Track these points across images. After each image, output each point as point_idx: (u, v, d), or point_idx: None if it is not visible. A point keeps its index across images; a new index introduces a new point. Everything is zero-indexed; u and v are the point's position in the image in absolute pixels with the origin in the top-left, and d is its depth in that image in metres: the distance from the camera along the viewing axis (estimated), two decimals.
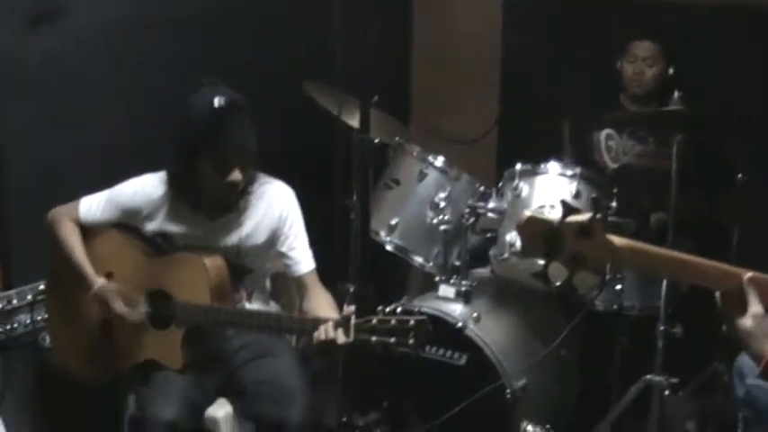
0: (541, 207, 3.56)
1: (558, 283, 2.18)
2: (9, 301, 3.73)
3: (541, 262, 2.21)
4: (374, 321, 2.92)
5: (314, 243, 3.46)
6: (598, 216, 2.18)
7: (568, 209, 2.17)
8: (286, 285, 3.66)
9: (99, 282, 3.34)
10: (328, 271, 3.53)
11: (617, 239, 2.22)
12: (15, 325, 3.72)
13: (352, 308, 3.02)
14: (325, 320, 3.03)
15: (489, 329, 3.64)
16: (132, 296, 3.34)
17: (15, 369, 3.71)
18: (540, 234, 2.16)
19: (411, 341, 2.86)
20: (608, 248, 2.20)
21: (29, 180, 3.89)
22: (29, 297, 3.76)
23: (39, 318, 3.72)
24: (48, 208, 3.47)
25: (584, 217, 2.17)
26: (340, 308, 3.21)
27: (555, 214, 2.17)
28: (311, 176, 3.75)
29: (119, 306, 3.32)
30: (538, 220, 2.19)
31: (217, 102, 3.15)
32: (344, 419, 3.52)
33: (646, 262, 2.29)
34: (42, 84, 3.91)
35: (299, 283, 3.43)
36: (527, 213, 2.18)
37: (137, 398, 3.33)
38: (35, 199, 3.73)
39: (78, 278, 3.37)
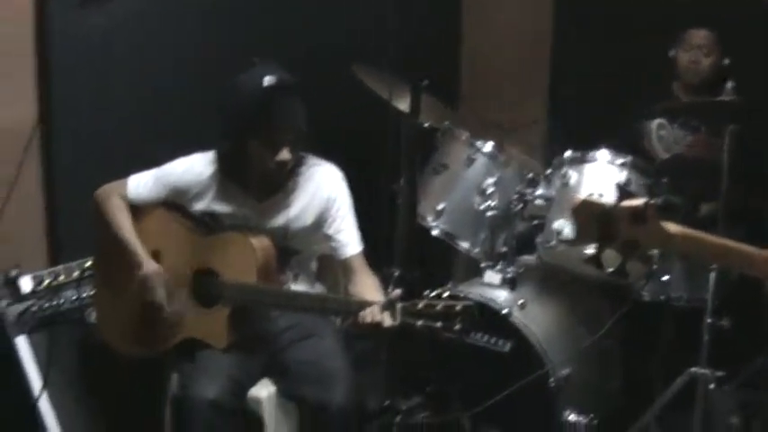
0: (590, 195, 3.53)
1: (610, 269, 2.18)
2: (56, 277, 3.76)
3: (590, 250, 2.19)
4: (420, 305, 2.92)
5: (361, 227, 3.45)
6: (653, 201, 2.17)
7: (623, 193, 2.17)
8: (332, 267, 3.66)
9: (150, 266, 3.36)
10: (374, 255, 3.52)
11: (671, 226, 2.21)
12: (62, 300, 3.74)
13: (399, 291, 3.01)
14: (371, 303, 3.03)
15: (534, 317, 3.64)
16: (179, 280, 3.35)
17: (61, 344, 3.70)
18: (594, 218, 2.15)
19: (457, 326, 2.87)
20: (661, 235, 2.20)
21: (77, 156, 3.97)
22: (76, 273, 3.79)
23: (85, 294, 3.75)
24: (96, 185, 3.50)
25: (639, 202, 2.16)
26: (385, 292, 3.21)
27: (609, 199, 2.17)
28: (360, 160, 3.73)
29: (160, 296, 3.34)
30: (592, 204, 2.19)
31: (267, 80, 3.16)
32: (387, 403, 3.51)
33: (698, 249, 2.28)
34: (93, 61, 3.97)
35: (345, 266, 3.43)
36: (581, 197, 2.17)
37: (180, 376, 3.35)
38: (83, 176, 3.79)
39: (126, 256, 3.39)
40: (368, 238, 3.48)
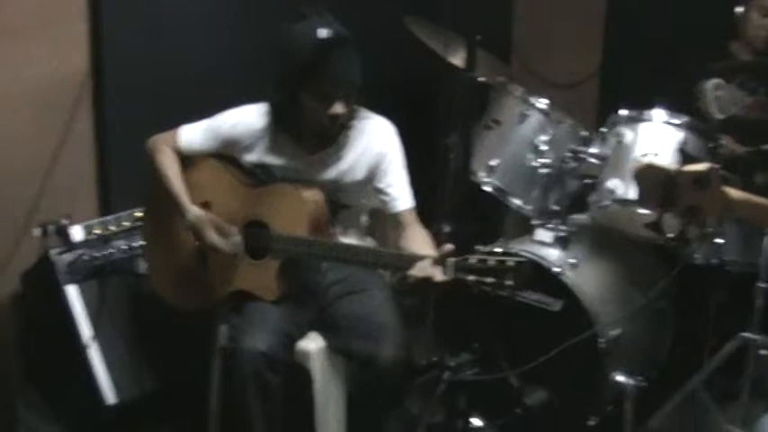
0: (644, 155, 3.50)
1: (671, 235, 2.15)
2: (107, 227, 3.82)
3: (646, 211, 2.16)
4: (472, 261, 2.89)
5: (412, 182, 3.44)
6: (716, 166, 2.15)
7: (686, 157, 2.15)
8: (382, 222, 3.68)
9: (193, 211, 3.38)
10: (426, 211, 3.51)
11: (732, 191, 2.19)
12: (112, 250, 3.80)
13: (451, 246, 2.98)
14: (423, 257, 3.01)
15: (585, 277, 3.62)
16: (227, 226, 3.37)
17: (112, 294, 3.78)
18: (657, 182, 2.13)
19: (509, 283, 2.83)
20: (724, 200, 2.17)
21: (129, 107, 4.00)
22: (126, 223, 3.86)
23: (135, 244, 3.80)
24: (146, 135, 3.52)
25: (703, 167, 2.14)
26: (436, 247, 3.17)
27: (670, 161, 2.14)
28: (412, 114, 3.72)
29: (211, 236, 3.35)
30: (656, 168, 2.17)
31: (322, 32, 3.15)
32: (435, 359, 3.52)
33: (758, 215, 2.26)
34: (144, 10, 3.99)
35: (396, 221, 3.42)
36: (645, 160, 2.15)
37: (229, 328, 3.37)
38: (134, 126, 3.80)
39: (175, 207, 3.41)
40: (419, 194, 3.47)
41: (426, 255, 3.03)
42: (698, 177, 2.14)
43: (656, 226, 2.19)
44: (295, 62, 3.21)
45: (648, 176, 2.15)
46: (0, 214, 3.78)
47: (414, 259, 3.04)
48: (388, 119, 3.46)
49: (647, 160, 2.10)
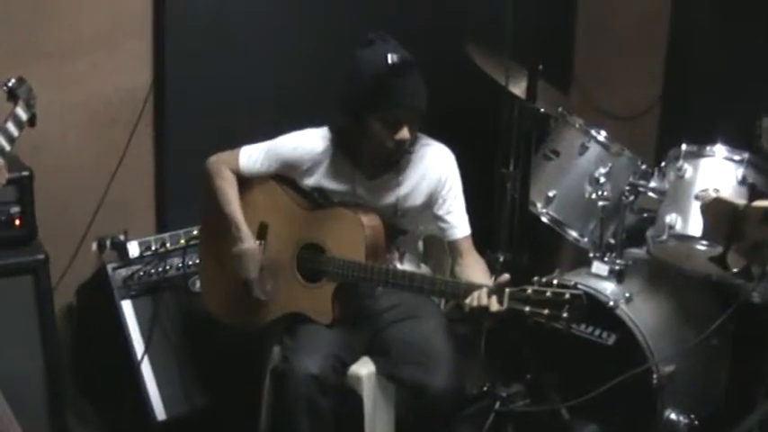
0: (704, 190, 3.49)
1: (735, 270, 2.15)
2: (163, 244, 3.89)
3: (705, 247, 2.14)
4: (529, 291, 2.90)
5: (469, 210, 3.45)
6: None
7: (755, 193, 2.15)
8: (438, 249, 3.70)
9: (250, 243, 3.42)
10: (482, 240, 3.54)
11: None
12: (167, 267, 3.86)
13: (507, 276, 2.99)
14: (479, 286, 3.02)
15: (640, 311, 3.60)
16: (286, 253, 3.41)
17: (165, 311, 3.84)
18: (724, 216, 2.13)
19: (565, 315, 2.84)
20: None
21: (188, 124, 4.07)
22: (182, 241, 3.90)
23: (191, 262, 3.85)
24: (205, 154, 3.55)
25: None
26: (492, 277, 3.21)
27: (738, 197, 2.13)
28: (471, 143, 3.72)
29: (251, 273, 3.41)
30: (725, 202, 2.17)
31: (391, 58, 3.17)
32: (486, 388, 3.53)
33: None
34: (208, 28, 4.05)
35: (453, 248, 3.44)
36: (714, 194, 2.16)
37: (282, 349, 3.40)
38: (193, 143, 3.88)
39: (231, 229, 3.44)
40: (477, 222, 3.48)
41: (483, 284, 3.05)
42: (767, 214, 2.14)
43: (721, 260, 2.18)
44: (364, 86, 3.23)
45: (716, 210, 2.16)
46: (59, 227, 3.83)
47: (470, 288, 3.05)
48: (447, 146, 3.47)
49: (715, 194, 2.09)
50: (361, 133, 3.30)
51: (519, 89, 3.78)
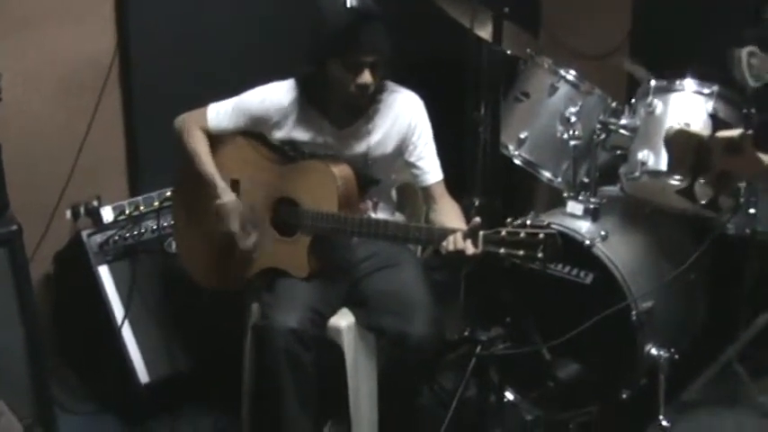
0: (684, 125, 3.48)
1: (703, 202, 2.13)
2: (137, 207, 3.88)
3: (677, 181, 2.14)
4: (503, 233, 2.89)
5: (441, 155, 3.44)
6: (749, 132, 2.13)
7: (718, 123, 2.13)
8: (412, 197, 3.71)
9: (229, 196, 3.40)
10: (456, 184, 3.53)
11: (766, 157, 2.17)
12: (143, 230, 3.86)
13: (479, 219, 2.98)
14: (453, 231, 3.02)
15: (617, 249, 3.60)
16: (259, 209, 3.40)
17: (143, 274, 3.83)
18: (689, 148, 2.11)
19: (540, 255, 2.83)
20: (757, 166, 2.16)
21: (155, 86, 4.04)
22: (155, 203, 3.89)
23: (165, 224, 3.84)
24: (174, 114, 3.53)
25: (735, 132, 2.12)
26: (467, 221, 3.18)
27: (702, 129, 2.11)
28: (440, 87, 3.70)
29: (233, 225, 3.39)
30: (688, 134, 2.16)
31: (350, 2, 3.14)
32: (466, 334, 3.53)
33: None
34: None
35: (426, 194, 3.44)
36: (676, 126, 2.13)
37: (261, 305, 3.41)
38: (161, 105, 3.79)
39: (206, 187, 3.43)
40: (449, 167, 3.47)
41: (457, 228, 3.04)
42: (731, 143, 2.13)
43: (688, 192, 2.17)
44: (323, 32, 3.21)
45: (680, 143, 2.15)
46: (31, 196, 3.81)
47: (444, 233, 3.05)
48: (416, 93, 3.45)
49: (678, 126, 2.07)
50: (325, 80, 3.28)
51: (486, 33, 3.75)
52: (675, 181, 3.33)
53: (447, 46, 3.83)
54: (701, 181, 2.14)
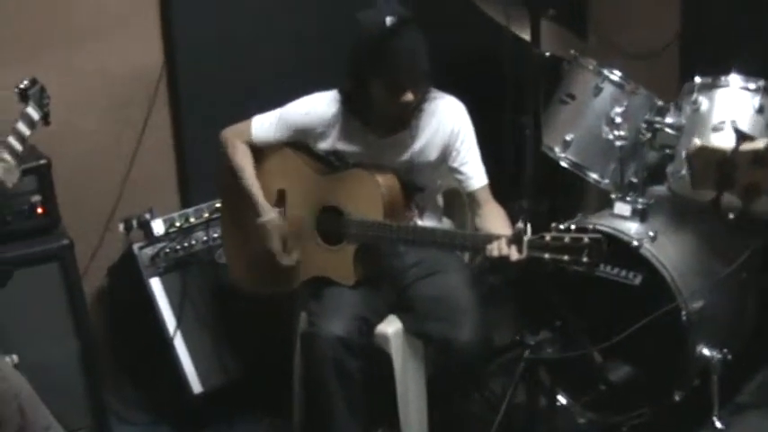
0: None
1: (731, 216, 2.09)
2: (187, 220, 3.92)
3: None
4: (547, 238, 2.89)
5: (486, 159, 3.44)
6: None
7: (741, 136, 2.09)
8: (458, 203, 3.71)
9: (269, 215, 3.44)
10: (500, 188, 3.51)
11: None
12: (193, 242, 3.91)
13: (524, 224, 2.98)
14: (497, 237, 3.02)
15: (666, 249, 3.56)
16: (305, 219, 3.43)
17: (194, 285, 3.89)
18: (712, 164, 2.07)
19: (585, 260, 2.82)
20: None
21: (202, 98, 4.10)
22: (206, 215, 3.94)
23: (215, 235, 3.88)
24: (221, 125, 3.56)
25: (760, 144, 2.08)
26: (513, 225, 3.16)
27: (727, 142, 2.07)
28: (483, 91, 3.69)
29: (275, 245, 3.43)
30: (709, 150, 2.12)
31: (389, 20, 3.15)
32: (515, 338, 3.51)
33: None
34: (217, 2, 4.06)
35: (471, 199, 3.43)
36: (697, 143, 2.10)
37: (308, 314, 3.43)
38: (209, 117, 3.89)
39: (249, 200, 3.47)
40: (493, 172, 3.47)
41: (501, 234, 3.04)
42: (757, 156, 2.09)
43: (715, 206, 2.13)
44: (364, 51, 3.23)
45: (702, 159, 2.10)
46: (84, 211, 3.91)
47: (489, 239, 3.05)
48: (457, 98, 3.45)
49: (699, 142, 2.03)
50: (367, 97, 3.30)
51: (527, 33, 3.73)
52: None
53: (487, 47, 3.79)
54: (728, 194, 2.09)
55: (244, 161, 3.49)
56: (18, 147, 3.03)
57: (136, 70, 4.01)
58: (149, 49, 4.04)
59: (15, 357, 3.31)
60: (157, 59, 4.05)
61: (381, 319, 3.41)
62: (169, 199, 4.18)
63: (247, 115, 3.53)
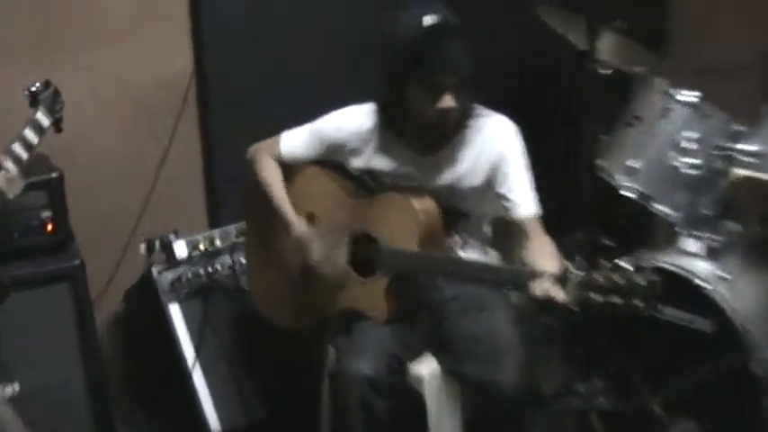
0: (754, 172, 3.36)
1: None
2: (211, 242, 3.93)
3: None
4: (598, 278, 2.81)
5: (537, 186, 3.38)
6: None
7: None
8: (509, 233, 3.58)
9: (300, 227, 3.42)
10: (555, 219, 3.43)
11: None
12: (218, 267, 3.92)
13: (574, 260, 2.94)
14: (542, 273, 2.97)
15: (738, 292, 3.48)
16: (335, 243, 3.39)
17: (217, 314, 3.90)
18: (758, 196, 2.02)
19: (640, 304, 2.74)
20: None
21: (235, 109, 4.11)
22: (233, 237, 3.94)
23: (242, 260, 3.88)
24: (255, 140, 3.56)
25: None
26: (564, 261, 3.15)
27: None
28: (537, 110, 3.65)
29: (317, 253, 3.39)
30: (756, 181, 2.06)
31: (427, 20, 3.14)
32: (565, 385, 3.46)
33: None
34: (248, 6, 4.09)
35: (518, 230, 3.36)
36: (742, 173, 2.05)
37: (337, 350, 3.41)
38: (242, 129, 3.89)
39: (278, 220, 3.45)
40: (546, 200, 3.40)
41: (546, 271, 2.98)
42: None
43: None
44: (400, 53, 3.22)
45: (748, 190, 2.05)
46: (104, 227, 3.97)
47: (532, 276, 2.99)
48: (509, 117, 3.40)
49: (745, 173, 1.98)
50: (403, 105, 3.27)
51: (591, 47, 3.68)
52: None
53: (545, 62, 3.76)
54: None
55: (272, 176, 3.49)
56: (23, 155, 3.01)
57: (163, 76, 4.04)
58: (178, 54, 4.07)
59: (16, 386, 3.29)
60: (187, 65, 4.08)
61: (415, 356, 3.38)
62: (196, 218, 4.23)
63: (285, 127, 3.52)
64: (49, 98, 3.18)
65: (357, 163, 3.43)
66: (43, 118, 3.12)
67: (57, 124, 3.21)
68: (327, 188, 3.49)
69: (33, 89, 3.15)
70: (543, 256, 3.21)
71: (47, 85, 3.19)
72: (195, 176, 4.23)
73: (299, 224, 3.43)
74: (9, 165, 2.97)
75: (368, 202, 3.41)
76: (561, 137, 3.67)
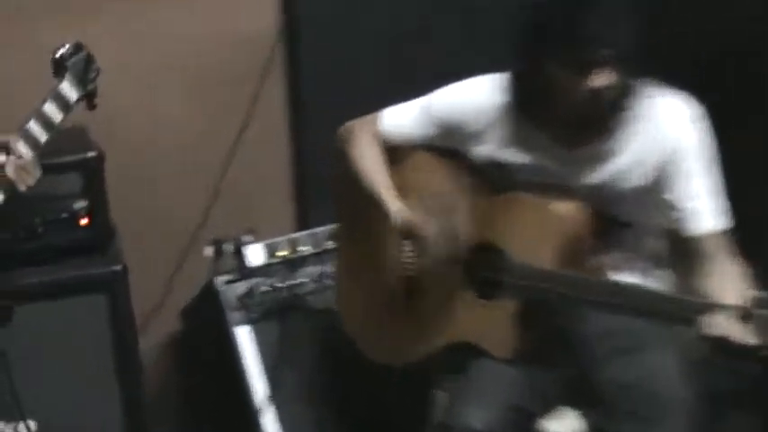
0: None
1: None
2: (293, 248, 3.88)
3: None
4: None
5: (730, 194, 3.10)
6: None
7: None
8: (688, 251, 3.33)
9: (399, 207, 3.29)
10: (749, 238, 3.15)
11: None
12: (302, 279, 3.86)
13: (755, 293, 2.76)
14: (719, 307, 2.73)
15: None
16: (448, 257, 3.25)
17: (297, 339, 3.84)
18: None
19: None
20: None
21: (334, 77, 4.04)
22: (325, 242, 3.88)
23: (330, 271, 3.83)
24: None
25: None
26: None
27: None
28: (731, 96, 3.46)
29: (428, 229, 3.23)
30: None
31: None
32: None
33: None
34: None
35: (692, 248, 3.10)
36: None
37: (446, 394, 3.30)
38: (343, 104, 3.69)
39: (378, 214, 3.30)
40: (736, 212, 3.12)
41: (725, 303, 2.76)
42: None
43: None
44: (541, 21, 2.99)
45: None
46: (157, 224, 3.93)
47: (704, 309, 2.77)
48: (691, 98, 3.13)
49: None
50: (544, 83, 3.02)
51: None
52: None
53: (742, 38, 3.51)
54: None
55: (371, 158, 3.38)
56: (41, 137, 2.83)
57: (240, 36, 3.95)
58: (261, 9, 4.00)
59: (32, 425, 3.27)
60: (271, 23, 4.01)
61: (548, 410, 3.22)
62: (277, 217, 4.16)
63: (391, 102, 3.40)
64: (80, 64, 2.98)
65: (479, 150, 3.22)
66: (70, 90, 2.93)
67: (89, 99, 3.00)
68: (438, 181, 3.34)
69: (59, 54, 2.95)
70: (724, 284, 2.99)
71: (77, 47, 2.99)
72: (279, 163, 4.14)
73: (399, 205, 3.29)
74: (21, 148, 2.79)
75: (492, 203, 3.22)
76: (758, 132, 3.38)
